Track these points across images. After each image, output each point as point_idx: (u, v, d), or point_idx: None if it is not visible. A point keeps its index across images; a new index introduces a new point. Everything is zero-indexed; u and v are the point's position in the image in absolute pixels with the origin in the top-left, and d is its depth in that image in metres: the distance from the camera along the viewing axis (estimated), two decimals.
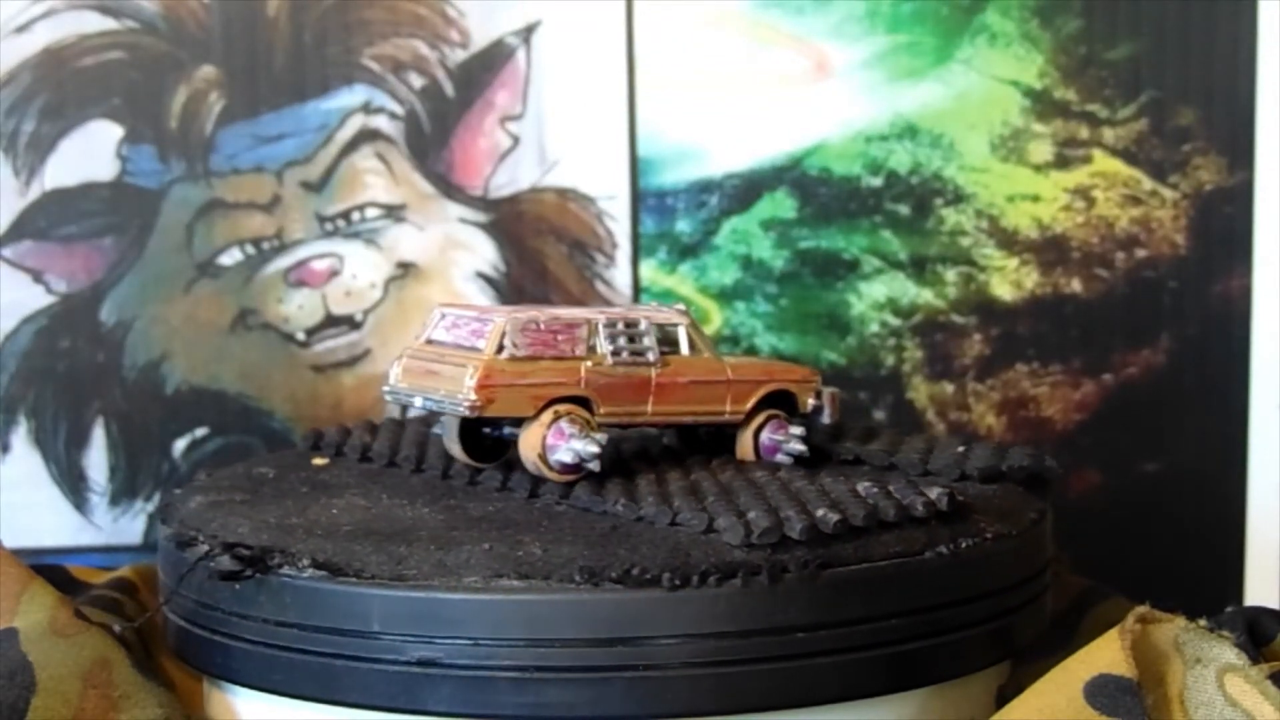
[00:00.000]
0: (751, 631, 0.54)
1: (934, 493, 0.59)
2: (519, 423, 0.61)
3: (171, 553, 0.59)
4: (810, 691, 0.54)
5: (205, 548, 0.57)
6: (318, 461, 0.67)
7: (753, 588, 0.54)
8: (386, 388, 0.62)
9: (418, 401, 0.60)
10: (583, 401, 0.60)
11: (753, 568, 0.54)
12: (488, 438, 0.63)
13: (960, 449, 0.66)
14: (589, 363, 0.61)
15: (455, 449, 0.62)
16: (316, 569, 0.55)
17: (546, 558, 0.54)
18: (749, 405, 0.65)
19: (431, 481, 0.63)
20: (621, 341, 0.62)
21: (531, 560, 0.54)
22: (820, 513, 0.56)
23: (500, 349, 0.59)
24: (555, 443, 0.60)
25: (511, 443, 0.63)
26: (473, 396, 0.59)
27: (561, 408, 0.60)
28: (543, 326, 0.60)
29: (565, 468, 0.60)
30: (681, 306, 0.65)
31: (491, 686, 0.53)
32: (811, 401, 0.66)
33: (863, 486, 0.60)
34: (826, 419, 0.66)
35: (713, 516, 0.56)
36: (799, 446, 0.65)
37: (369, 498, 0.61)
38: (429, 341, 0.61)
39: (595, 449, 0.59)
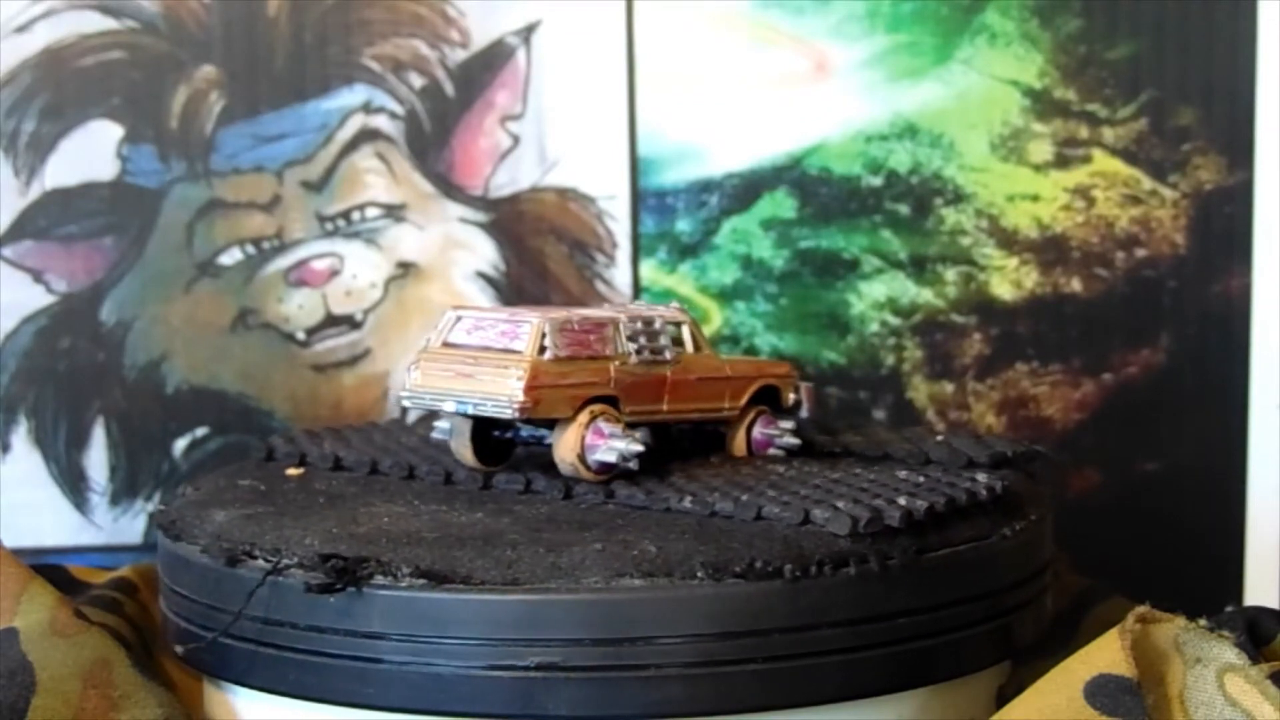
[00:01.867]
0: (858, 620, 0.55)
1: (983, 478, 0.60)
2: (537, 424, 0.61)
3: (213, 571, 0.57)
4: (810, 691, 0.55)
5: (272, 562, 0.55)
6: (292, 472, 0.66)
7: (865, 576, 0.54)
8: (406, 392, 0.60)
9: (449, 405, 0.59)
10: (611, 401, 0.60)
11: (862, 557, 0.54)
12: (496, 441, 0.63)
13: (938, 438, 0.67)
14: (616, 362, 0.61)
15: (466, 453, 0.62)
16: (418, 577, 0.53)
17: (663, 555, 0.54)
18: (743, 401, 0.65)
19: (436, 487, 0.62)
20: (642, 340, 0.62)
21: (649, 558, 0.53)
22: (902, 501, 0.57)
23: (542, 350, 0.59)
24: (595, 442, 0.59)
25: (518, 445, 0.63)
26: (521, 398, 0.58)
27: (595, 408, 0.60)
28: (577, 327, 0.60)
29: (603, 467, 0.60)
30: (678, 305, 0.65)
31: (614, 687, 0.53)
32: (792, 396, 0.66)
33: (903, 474, 0.61)
34: (805, 413, 0.67)
35: (806, 509, 0.56)
36: (793, 440, 0.66)
37: (404, 505, 0.60)
38: (446, 344, 0.61)
39: (639, 448, 0.60)
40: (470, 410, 0.59)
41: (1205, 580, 0.84)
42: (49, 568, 0.68)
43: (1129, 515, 0.84)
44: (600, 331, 0.61)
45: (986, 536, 0.59)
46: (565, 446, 0.60)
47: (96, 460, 0.84)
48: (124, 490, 0.84)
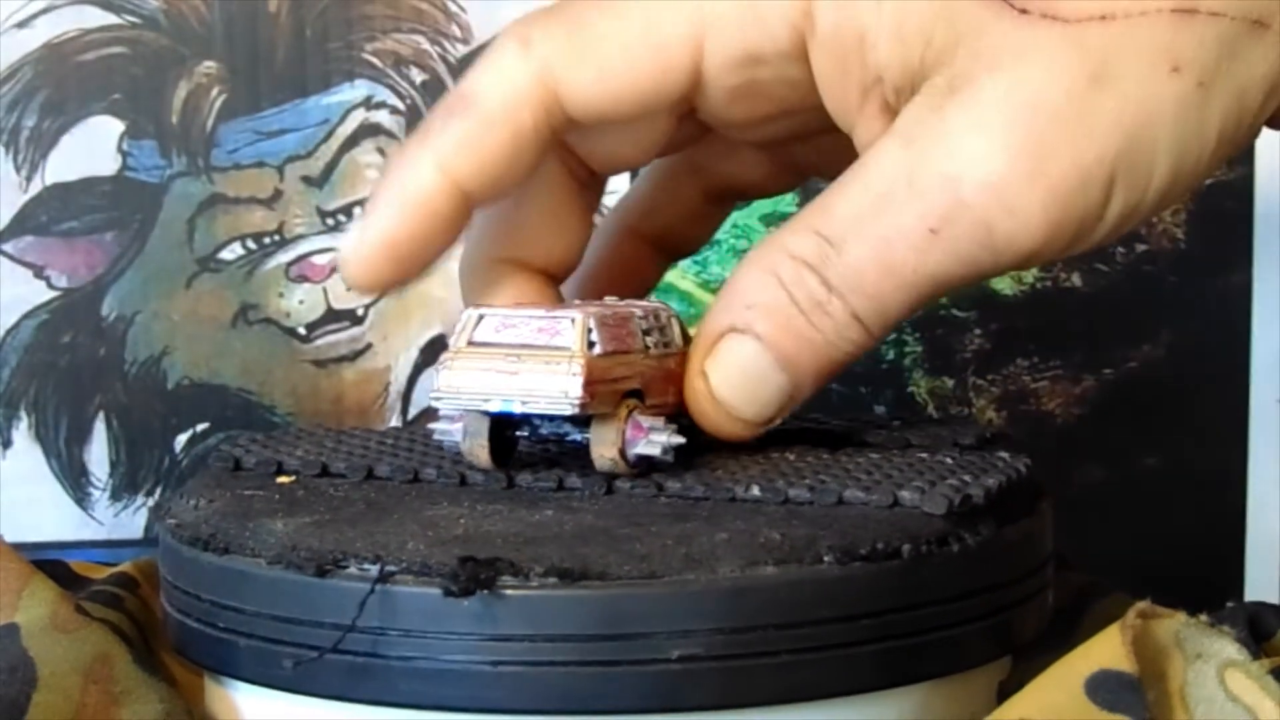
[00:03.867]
0: (955, 596, 0.56)
1: (1006, 456, 0.62)
2: (559, 421, 0.60)
3: (292, 583, 0.54)
4: (811, 687, 0.55)
5: (377, 570, 0.53)
6: (283, 480, 0.63)
7: (964, 554, 0.55)
8: (437, 393, 0.58)
9: (493, 405, 0.58)
10: (638, 394, 0.60)
11: (959, 536, 0.55)
12: (505, 441, 0.62)
13: (895, 422, 0.68)
14: (640, 355, 0.61)
15: (482, 454, 0.61)
16: (551, 576, 0.52)
17: (788, 541, 0.53)
18: None
19: (462, 489, 0.61)
20: (655, 335, 0.62)
21: (775, 544, 0.53)
22: (968, 479, 0.58)
23: (590, 345, 0.58)
24: (635, 436, 0.59)
25: (520, 443, 0.62)
26: (580, 394, 0.57)
27: (630, 402, 0.59)
28: (612, 321, 0.60)
29: (641, 461, 0.60)
30: (657, 300, 0.65)
31: (749, 675, 0.52)
32: None
33: (924, 456, 0.62)
34: None
35: (894, 491, 0.57)
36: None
37: (458, 507, 0.58)
38: (472, 343, 0.59)
39: (681, 439, 0.59)
40: (518, 409, 0.58)
41: (1206, 575, 0.84)
42: (50, 563, 0.68)
43: (1129, 510, 0.84)
44: (628, 325, 0.60)
45: (1033, 511, 0.60)
46: (606, 442, 0.59)
47: (97, 455, 0.84)
48: (125, 486, 0.84)
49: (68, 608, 0.60)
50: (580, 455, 0.61)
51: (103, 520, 0.84)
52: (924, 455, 0.62)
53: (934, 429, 0.67)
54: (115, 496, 0.84)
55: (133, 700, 0.57)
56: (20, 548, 0.64)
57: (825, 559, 0.53)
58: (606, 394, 0.58)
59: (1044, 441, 0.83)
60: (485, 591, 0.52)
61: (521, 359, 0.58)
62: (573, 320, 0.58)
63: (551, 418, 0.60)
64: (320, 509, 0.59)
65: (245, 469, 0.65)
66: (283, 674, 0.55)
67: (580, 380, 0.57)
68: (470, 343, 0.59)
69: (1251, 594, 0.83)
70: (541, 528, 0.55)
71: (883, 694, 0.56)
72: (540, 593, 0.52)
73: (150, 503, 0.84)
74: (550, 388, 0.57)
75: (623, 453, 0.59)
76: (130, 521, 0.84)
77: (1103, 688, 0.52)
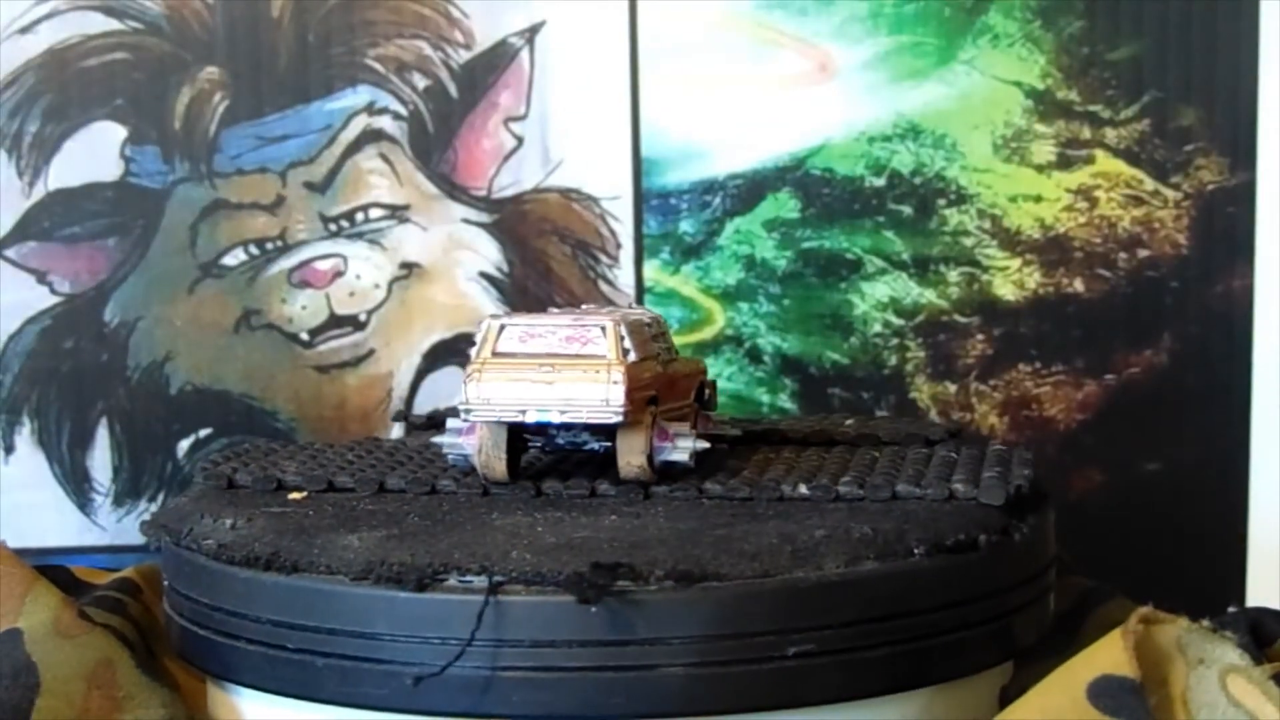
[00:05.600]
0: (1010, 586, 0.58)
1: (1004, 446, 0.63)
2: (575, 429, 0.60)
3: (385, 600, 0.53)
4: (813, 691, 0.55)
5: (490, 580, 0.52)
6: (295, 496, 0.62)
7: (1022, 543, 0.57)
8: (466, 405, 0.58)
9: (529, 416, 0.58)
10: (653, 401, 0.60)
11: (1016, 526, 0.57)
12: (518, 450, 0.61)
13: (849, 421, 0.70)
14: (654, 362, 0.60)
15: (499, 465, 0.60)
16: (670, 579, 0.52)
17: (881, 535, 0.54)
18: (692, 397, 0.65)
19: (496, 500, 0.60)
20: (661, 341, 0.62)
21: (870, 539, 0.54)
22: (1001, 470, 0.59)
23: (625, 353, 0.58)
24: (662, 443, 0.59)
25: (522, 454, 0.62)
26: (623, 402, 0.57)
27: (652, 409, 0.59)
28: (634, 329, 0.60)
29: (666, 467, 0.60)
30: (641, 306, 0.65)
31: (859, 668, 0.53)
32: (708, 391, 0.67)
33: (925, 452, 0.63)
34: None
35: (948, 485, 0.58)
36: (735, 431, 0.67)
37: (524, 516, 0.58)
38: (497, 354, 0.58)
39: (706, 444, 0.60)
40: (556, 419, 0.58)
41: (1208, 580, 0.84)
42: (52, 569, 0.68)
43: (1131, 515, 0.84)
44: (644, 333, 0.61)
45: (1048, 504, 0.61)
46: (634, 450, 0.59)
47: (100, 461, 0.84)
48: (127, 491, 0.84)
49: (70, 613, 0.60)
50: (590, 463, 0.61)
51: (105, 525, 0.84)
52: (925, 450, 0.63)
53: (893, 426, 0.68)
54: (118, 502, 0.84)
55: (135, 705, 0.58)
56: (23, 553, 0.64)
57: (916, 551, 0.54)
58: (637, 401, 0.58)
59: (1046, 447, 0.84)
60: (612, 598, 0.51)
61: (556, 368, 0.58)
62: (604, 328, 0.58)
63: (576, 426, 0.60)
64: (376, 523, 0.58)
65: (241, 486, 0.64)
66: (380, 694, 0.53)
67: (622, 388, 0.57)
68: (495, 353, 0.59)
69: (1253, 599, 0.83)
70: (629, 533, 0.55)
71: (889, 697, 0.56)
72: (660, 595, 0.52)
73: (153, 508, 0.84)
74: (591, 396, 0.57)
75: (650, 459, 0.59)
76: (133, 527, 0.84)
77: (1105, 693, 0.52)
